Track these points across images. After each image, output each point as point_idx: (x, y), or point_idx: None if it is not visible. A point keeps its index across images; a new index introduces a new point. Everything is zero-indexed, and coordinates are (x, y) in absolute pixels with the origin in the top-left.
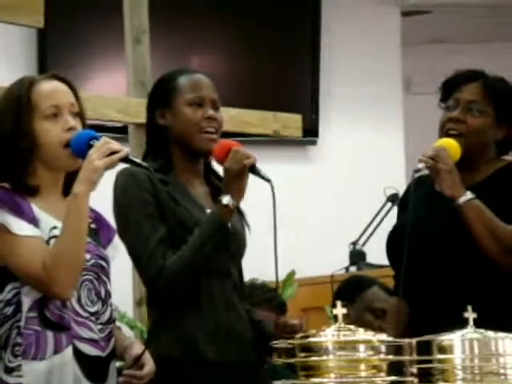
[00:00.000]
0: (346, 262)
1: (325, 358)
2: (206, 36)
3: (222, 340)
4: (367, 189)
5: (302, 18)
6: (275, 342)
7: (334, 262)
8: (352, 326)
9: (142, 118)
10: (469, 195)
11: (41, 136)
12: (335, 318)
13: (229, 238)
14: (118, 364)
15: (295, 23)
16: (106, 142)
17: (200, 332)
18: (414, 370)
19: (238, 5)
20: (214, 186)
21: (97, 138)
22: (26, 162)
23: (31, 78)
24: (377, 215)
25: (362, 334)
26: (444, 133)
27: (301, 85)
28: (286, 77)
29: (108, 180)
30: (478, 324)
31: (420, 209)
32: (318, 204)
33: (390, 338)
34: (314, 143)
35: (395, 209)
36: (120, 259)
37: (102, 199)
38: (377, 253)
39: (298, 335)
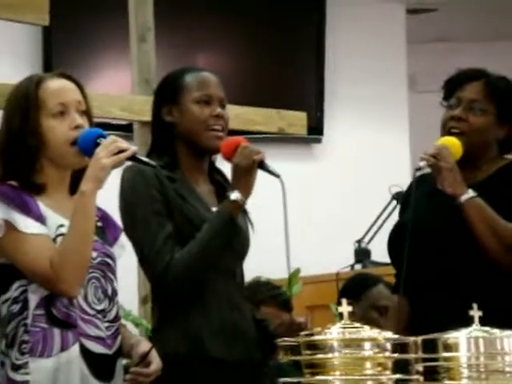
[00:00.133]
0: (351, 260)
1: (330, 355)
2: (210, 34)
3: (228, 338)
4: (372, 187)
5: (307, 17)
6: (280, 339)
7: (339, 260)
8: (357, 324)
9: (146, 116)
10: (470, 193)
11: (48, 134)
12: (340, 315)
13: (236, 235)
14: (124, 362)
15: (300, 21)
16: (113, 141)
17: (206, 329)
18: (420, 367)
19: (243, 3)
20: (218, 185)
21: (104, 137)
22: (33, 159)
23: (39, 76)
24: (382, 213)
25: (367, 331)
26: (446, 131)
27: (305, 83)
28: (290, 75)
29: (114, 178)
30: (480, 322)
31: (421, 207)
32: (323, 202)
33: (396, 336)
34: (318, 141)
35: None
36: (125, 257)
37: (108, 198)
38: (382, 251)
39: (304, 333)
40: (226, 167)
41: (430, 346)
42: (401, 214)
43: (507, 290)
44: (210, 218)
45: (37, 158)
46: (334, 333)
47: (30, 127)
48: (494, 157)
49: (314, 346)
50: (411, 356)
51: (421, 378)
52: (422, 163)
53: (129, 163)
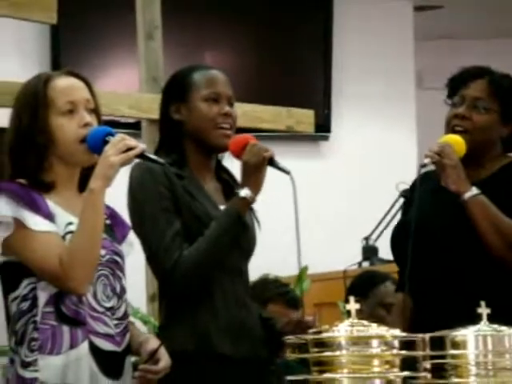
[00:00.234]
0: (359, 258)
1: (338, 353)
2: (218, 33)
3: (235, 335)
4: (380, 184)
5: (315, 14)
6: (288, 337)
7: (347, 258)
8: (365, 322)
9: (154, 114)
10: (474, 191)
11: (57, 132)
12: (348, 313)
13: (244, 233)
14: (132, 359)
15: (308, 19)
16: (122, 139)
17: (213, 327)
18: (428, 365)
19: (251, 2)
20: (225, 183)
21: (112, 134)
22: (42, 157)
23: (48, 75)
24: (389, 211)
25: (375, 329)
26: (450, 129)
27: (313, 80)
28: (298, 72)
29: (123, 176)
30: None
31: (425, 204)
32: (330, 199)
33: (404, 334)
34: (326, 139)
35: None
36: (133, 255)
37: (116, 195)
38: (389, 248)
39: (311, 330)
40: (231, 166)
41: (438, 344)
42: (404, 211)
43: (511, 287)
44: (218, 215)
45: (46, 156)
46: (341, 330)
47: (39, 125)
48: (498, 155)
49: (322, 344)
50: (419, 353)
51: (428, 376)
52: (426, 160)
53: (137, 161)
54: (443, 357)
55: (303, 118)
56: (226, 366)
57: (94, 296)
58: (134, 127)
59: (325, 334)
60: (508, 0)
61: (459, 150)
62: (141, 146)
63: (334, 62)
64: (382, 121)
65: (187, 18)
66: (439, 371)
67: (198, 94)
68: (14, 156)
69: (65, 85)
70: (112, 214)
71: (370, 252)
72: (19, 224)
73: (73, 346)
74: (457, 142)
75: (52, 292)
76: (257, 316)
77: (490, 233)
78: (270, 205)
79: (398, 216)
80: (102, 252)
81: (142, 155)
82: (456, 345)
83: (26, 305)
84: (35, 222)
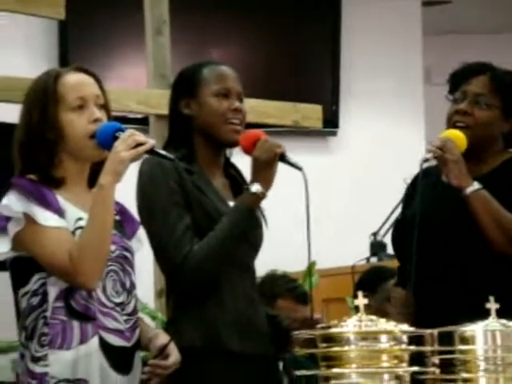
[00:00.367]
0: (367, 253)
1: (346, 348)
2: (226, 29)
3: (243, 331)
4: (388, 179)
5: (323, 11)
6: (296, 333)
7: (355, 253)
8: (373, 317)
9: (162, 109)
10: (476, 185)
11: (67, 127)
12: (356, 308)
13: (254, 228)
14: (141, 354)
15: (316, 15)
16: (131, 134)
17: (221, 322)
18: (436, 360)
19: None
20: (232, 179)
21: (122, 130)
22: (52, 153)
23: (57, 71)
24: (397, 206)
25: (383, 324)
26: (451, 125)
27: (321, 75)
28: (306, 69)
29: (132, 172)
30: (485, 314)
31: (426, 199)
32: (338, 195)
33: (412, 329)
34: (334, 134)
35: None
36: (141, 251)
37: (125, 191)
38: None
39: (320, 326)
40: (239, 163)
41: (446, 339)
42: (404, 206)
43: None
44: (229, 211)
45: (56, 151)
46: (350, 325)
47: (49, 121)
48: (499, 150)
49: (331, 339)
50: (427, 348)
51: (437, 371)
52: (428, 155)
53: (146, 156)
54: (452, 352)
55: (310, 113)
56: (234, 362)
57: (104, 291)
58: (142, 123)
59: (333, 330)
60: None
61: (460, 145)
62: (150, 141)
63: (342, 57)
64: (390, 116)
65: (195, 15)
66: (448, 366)
67: (209, 89)
68: (24, 152)
69: (75, 81)
70: (121, 210)
71: (377, 247)
72: (29, 219)
73: (83, 341)
74: (458, 137)
75: (62, 287)
76: (264, 313)
77: (491, 228)
78: (277, 201)
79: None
80: (112, 247)
81: (151, 151)
82: (465, 340)
83: (36, 300)
84: (45, 217)
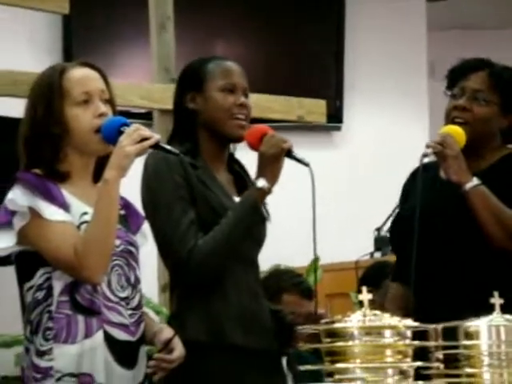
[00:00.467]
0: (371, 248)
1: (350, 343)
2: (230, 24)
3: (247, 325)
4: (391, 174)
5: (327, 5)
6: (301, 327)
7: (359, 248)
8: (377, 312)
9: (166, 104)
10: (475, 181)
11: (72, 122)
12: (360, 303)
13: (260, 223)
14: (146, 348)
15: (320, 10)
16: (136, 129)
17: (225, 316)
18: (440, 355)
19: None
20: (236, 174)
21: (127, 125)
22: (57, 148)
23: (63, 65)
24: None
25: (387, 319)
26: (450, 121)
27: (325, 70)
28: (310, 63)
29: (137, 167)
30: (486, 309)
31: (425, 195)
32: (342, 190)
33: (416, 324)
34: (338, 129)
35: None
36: (145, 245)
37: (130, 186)
38: None
39: (324, 321)
40: (243, 158)
41: (450, 334)
42: (402, 201)
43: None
44: (235, 205)
45: (61, 146)
46: (354, 320)
47: (54, 116)
48: (497, 146)
49: (335, 334)
50: (431, 344)
51: (441, 366)
52: (428, 150)
53: (151, 151)
54: (456, 347)
55: (314, 108)
56: (238, 356)
57: (109, 286)
58: (145, 117)
59: (337, 325)
60: None
61: (460, 140)
62: (155, 136)
63: (346, 52)
64: (395, 111)
65: (199, 11)
66: (452, 362)
67: (214, 84)
68: (29, 146)
69: (80, 75)
70: (126, 205)
71: (381, 242)
72: (35, 214)
73: (87, 335)
74: (457, 132)
75: (67, 281)
76: (268, 307)
77: (491, 224)
78: (280, 196)
79: None
80: (117, 242)
81: (156, 145)
82: (469, 335)
83: (41, 294)
84: (50, 211)
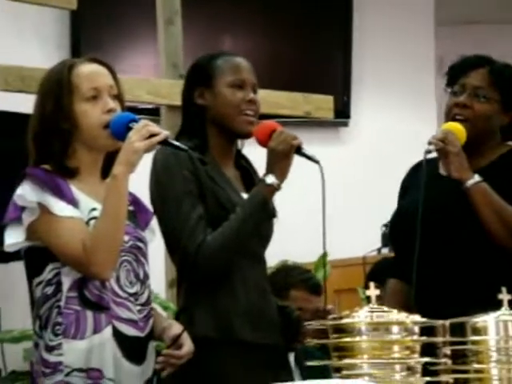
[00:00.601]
0: (378, 244)
1: (358, 339)
2: (238, 19)
3: (255, 322)
4: (399, 170)
5: (335, 1)
6: (309, 323)
7: (366, 244)
8: (385, 307)
9: (173, 100)
10: (476, 178)
11: (81, 118)
12: (368, 299)
13: (268, 219)
14: (155, 344)
15: (327, 4)
16: (145, 125)
17: (234, 312)
18: (448, 351)
19: None
20: (243, 171)
21: (136, 121)
22: (66, 143)
23: (71, 61)
24: None
25: (395, 315)
26: (450, 118)
27: (333, 66)
28: (317, 58)
29: (146, 163)
30: (491, 306)
31: (425, 191)
32: (349, 185)
33: (424, 319)
34: (345, 125)
35: None
36: (153, 241)
37: (139, 182)
38: None
39: (331, 316)
40: (251, 154)
41: (458, 330)
42: (400, 198)
43: None
44: (244, 201)
45: (69, 142)
46: (361, 316)
47: (63, 112)
48: (497, 143)
49: (342, 330)
50: (439, 339)
51: (449, 362)
52: (430, 147)
53: (160, 147)
54: (464, 343)
55: (321, 104)
56: (246, 352)
57: (117, 282)
58: (153, 113)
59: (345, 320)
60: None
61: (460, 137)
62: (164, 132)
63: (353, 48)
64: (402, 107)
65: (207, 5)
66: (459, 357)
67: (223, 79)
68: (38, 142)
69: (89, 71)
70: (135, 201)
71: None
72: (44, 209)
73: (96, 330)
74: (458, 129)
75: (76, 277)
76: (275, 303)
77: (492, 221)
78: (287, 192)
79: None
80: (125, 238)
81: (165, 141)
82: (476, 331)
83: (50, 289)
84: (59, 207)
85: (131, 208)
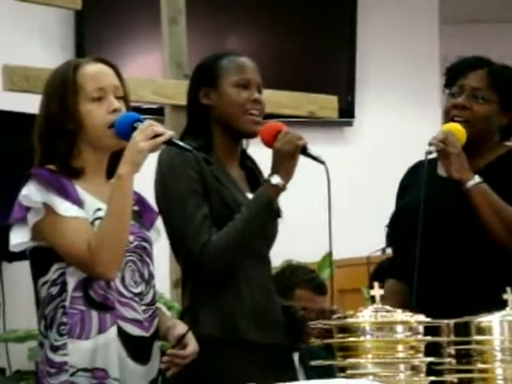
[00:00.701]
0: (383, 244)
1: (362, 338)
2: (242, 18)
3: (260, 322)
4: (403, 170)
5: (339, 1)
6: (313, 323)
7: (370, 244)
8: (389, 307)
9: (178, 100)
10: (477, 179)
11: (86, 118)
12: (372, 299)
13: (273, 219)
14: (159, 344)
15: (332, 4)
16: (150, 125)
17: (239, 312)
18: (452, 351)
19: None
20: (248, 171)
21: (141, 121)
22: (72, 143)
23: (77, 61)
24: None
25: (399, 314)
26: (449, 119)
27: (337, 66)
28: (322, 58)
29: (151, 163)
30: (489, 307)
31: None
32: (353, 185)
33: (428, 319)
34: (350, 124)
35: None
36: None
37: (144, 182)
38: None
39: (336, 316)
40: (256, 154)
41: (462, 330)
42: (399, 198)
43: None
44: (249, 201)
45: (75, 142)
46: (366, 316)
47: (69, 112)
48: (496, 144)
49: (347, 329)
50: (444, 339)
51: (453, 361)
52: (431, 148)
53: (164, 147)
54: (468, 343)
55: (326, 104)
56: (251, 352)
57: (122, 282)
58: (157, 113)
59: (349, 320)
60: None
61: (460, 138)
62: (169, 132)
63: (358, 47)
64: (406, 106)
65: (211, 5)
66: (464, 357)
67: (229, 79)
68: (43, 142)
69: (94, 71)
70: (140, 200)
71: None
72: (49, 209)
73: (101, 330)
74: (458, 130)
75: (81, 277)
76: (279, 304)
77: (493, 222)
78: (292, 192)
79: None
80: (131, 238)
81: (169, 141)
82: (481, 330)
83: (55, 289)
84: (65, 207)
85: (136, 208)
